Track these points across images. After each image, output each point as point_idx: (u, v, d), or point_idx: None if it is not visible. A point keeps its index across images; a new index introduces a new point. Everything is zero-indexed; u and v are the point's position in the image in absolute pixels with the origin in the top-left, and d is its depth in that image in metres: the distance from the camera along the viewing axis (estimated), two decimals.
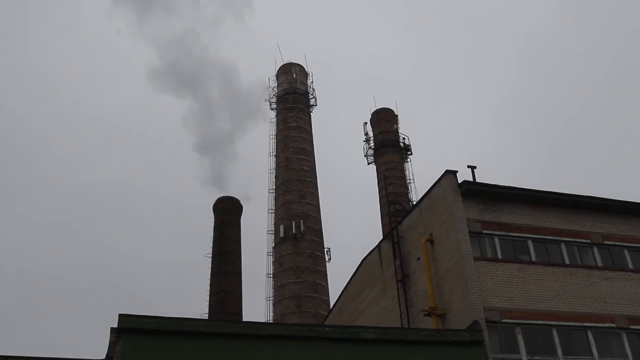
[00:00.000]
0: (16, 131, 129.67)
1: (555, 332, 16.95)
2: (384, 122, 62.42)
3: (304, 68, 62.16)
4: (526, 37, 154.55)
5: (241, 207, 62.37)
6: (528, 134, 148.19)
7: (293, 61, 61.93)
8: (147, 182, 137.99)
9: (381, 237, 25.23)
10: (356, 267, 24.33)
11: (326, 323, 26.21)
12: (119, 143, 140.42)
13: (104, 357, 13.05)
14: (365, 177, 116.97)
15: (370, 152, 61.94)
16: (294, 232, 50.63)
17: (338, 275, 52.78)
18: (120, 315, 13.46)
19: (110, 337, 13.25)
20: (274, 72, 62.29)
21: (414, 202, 43.06)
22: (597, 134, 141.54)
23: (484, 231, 18.13)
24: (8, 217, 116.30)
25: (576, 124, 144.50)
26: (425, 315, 17.98)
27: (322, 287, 49.55)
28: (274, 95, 60.78)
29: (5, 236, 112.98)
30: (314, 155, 57.88)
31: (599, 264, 18.94)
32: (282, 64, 61.91)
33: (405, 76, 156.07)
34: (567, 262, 18.57)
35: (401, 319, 19.88)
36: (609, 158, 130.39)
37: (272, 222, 53.61)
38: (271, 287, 50.62)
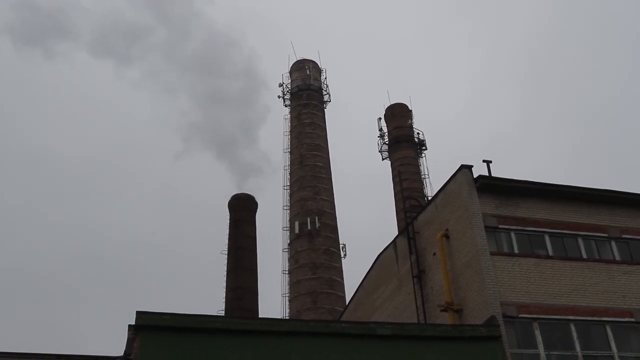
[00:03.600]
0: (17, 132, 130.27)
1: (573, 327, 16.81)
2: (398, 117, 62.23)
3: (317, 64, 62.08)
4: (543, 26, 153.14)
5: (256, 203, 62.51)
6: (547, 127, 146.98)
7: (307, 57, 61.97)
8: (153, 181, 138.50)
9: (396, 233, 25.18)
10: (372, 263, 24.31)
11: (342, 319, 26.22)
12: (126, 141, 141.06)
13: (122, 354, 13.16)
14: (380, 173, 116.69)
15: (385, 147, 61.81)
16: (309, 228, 50.70)
17: (353, 271, 52.69)
18: (137, 312, 13.53)
19: (128, 334, 13.35)
20: (288, 68, 62.39)
21: (429, 198, 42.89)
22: (619, 127, 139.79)
23: (500, 226, 18.02)
24: (25, 217, 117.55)
25: (596, 119, 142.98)
26: (441, 310, 17.92)
27: (338, 283, 49.59)
28: (287, 91, 60.79)
29: (20, 236, 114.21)
30: (328, 152, 57.86)
31: (617, 258, 18.75)
32: (296, 60, 61.96)
33: (420, 71, 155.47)
34: (584, 256, 18.40)
35: (417, 315, 19.83)
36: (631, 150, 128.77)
37: (287, 219, 53.72)
38: (287, 283, 50.76)
